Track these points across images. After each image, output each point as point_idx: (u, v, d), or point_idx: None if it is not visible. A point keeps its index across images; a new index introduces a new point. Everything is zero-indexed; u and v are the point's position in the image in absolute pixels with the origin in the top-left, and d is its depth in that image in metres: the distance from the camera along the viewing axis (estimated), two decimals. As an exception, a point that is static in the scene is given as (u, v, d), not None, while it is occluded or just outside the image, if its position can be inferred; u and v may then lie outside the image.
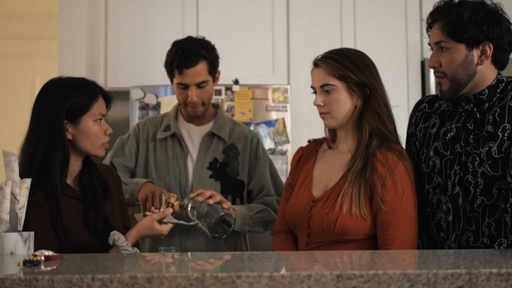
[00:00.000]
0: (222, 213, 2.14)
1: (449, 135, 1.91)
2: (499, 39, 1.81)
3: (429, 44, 1.91)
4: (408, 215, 1.87)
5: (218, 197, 2.21)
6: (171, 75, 2.44)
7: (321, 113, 1.98)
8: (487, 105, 1.85)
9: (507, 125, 1.80)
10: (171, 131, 2.49)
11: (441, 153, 1.91)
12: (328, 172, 1.99)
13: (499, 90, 1.86)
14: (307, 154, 2.08)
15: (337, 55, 1.96)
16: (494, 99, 1.85)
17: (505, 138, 1.79)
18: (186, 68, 2.36)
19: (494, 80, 1.86)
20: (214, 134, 2.49)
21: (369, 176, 1.87)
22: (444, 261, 1.42)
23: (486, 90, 1.85)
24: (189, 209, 2.17)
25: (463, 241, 1.84)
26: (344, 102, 1.93)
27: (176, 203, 2.14)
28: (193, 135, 2.51)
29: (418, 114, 2.04)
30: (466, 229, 1.84)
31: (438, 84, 1.91)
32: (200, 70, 2.38)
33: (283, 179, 2.63)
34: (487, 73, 1.85)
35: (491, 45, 1.81)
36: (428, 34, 1.90)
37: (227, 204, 2.21)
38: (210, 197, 2.18)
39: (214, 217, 2.12)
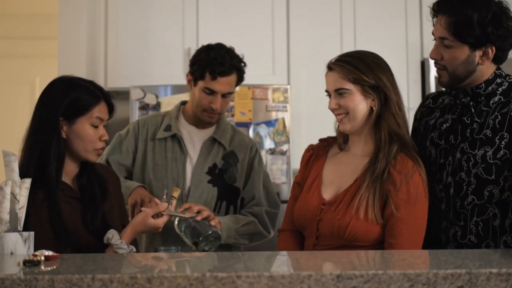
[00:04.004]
0: (210, 232, 2.15)
1: (444, 125, 1.96)
2: (502, 41, 1.85)
3: (432, 33, 1.93)
4: (417, 225, 1.87)
5: (206, 212, 2.22)
6: (200, 77, 2.40)
7: (338, 116, 1.96)
8: (484, 101, 1.89)
9: (505, 134, 1.83)
10: (172, 131, 2.47)
11: (436, 142, 1.97)
12: (340, 174, 1.97)
13: (500, 89, 1.89)
14: (318, 154, 2.06)
15: (351, 58, 1.95)
16: (496, 99, 1.88)
17: (501, 146, 1.83)
18: (220, 76, 2.36)
19: (491, 75, 1.90)
20: (216, 140, 2.48)
21: (385, 181, 1.86)
22: (444, 261, 1.42)
23: (483, 85, 1.90)
24: (176, 222, 2.17)
25: (451, 234, 1.89)
26: (359, 104, 1.92)
27: None
28: (194, 138, 2.49)
29: (423, 110, 2.09)
30: (454, 223, 1.89)
31: (438, 75, 1.96)
32: (231, 81, 2.40)
33: (283, 179, 2.61)
34: (486, 70, 1.90)
35: (494, 48, 1.85)
36: (433, 22, 1.91)
37: (214, 221, 2.22)
38: (198, 212, 2.19)
39: (202, 234, 2.14)
